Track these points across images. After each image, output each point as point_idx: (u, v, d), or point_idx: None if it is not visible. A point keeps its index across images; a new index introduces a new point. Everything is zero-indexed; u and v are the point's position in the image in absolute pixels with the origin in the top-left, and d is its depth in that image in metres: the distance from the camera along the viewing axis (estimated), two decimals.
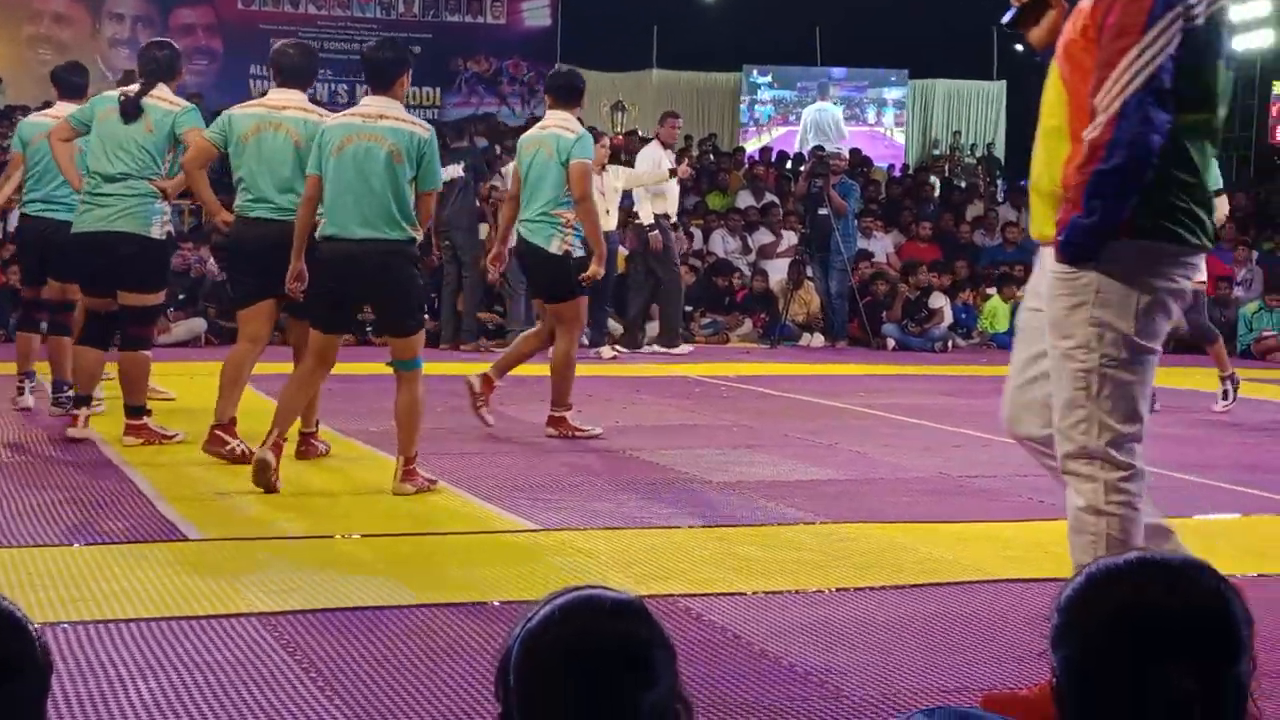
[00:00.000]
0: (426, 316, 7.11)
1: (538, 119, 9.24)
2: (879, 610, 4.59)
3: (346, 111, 6.63)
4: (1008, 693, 3.61)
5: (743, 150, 22.70)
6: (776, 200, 18.13)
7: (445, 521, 5.79)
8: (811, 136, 24.34)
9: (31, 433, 7.61)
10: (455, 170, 13.13)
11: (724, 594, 4.71)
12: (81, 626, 4.10)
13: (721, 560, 5.20)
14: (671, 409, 8.62)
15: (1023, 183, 23.18)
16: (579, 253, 7.90)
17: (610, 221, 13.04)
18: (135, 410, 7.25)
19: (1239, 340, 15.99)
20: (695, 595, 4.67)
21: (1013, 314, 16.36)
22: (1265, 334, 15.55)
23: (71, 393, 7.62)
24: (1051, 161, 3.53)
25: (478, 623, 4.26)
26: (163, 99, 7.18)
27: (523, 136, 8.38)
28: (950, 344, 15.59)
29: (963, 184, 22.96)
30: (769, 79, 25.71)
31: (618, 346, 13.74)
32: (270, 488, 6.09)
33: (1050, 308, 3.53)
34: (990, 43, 26.33)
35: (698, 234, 17.16)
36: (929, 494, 6.68)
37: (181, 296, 13.60)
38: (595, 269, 7.83)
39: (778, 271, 16.36)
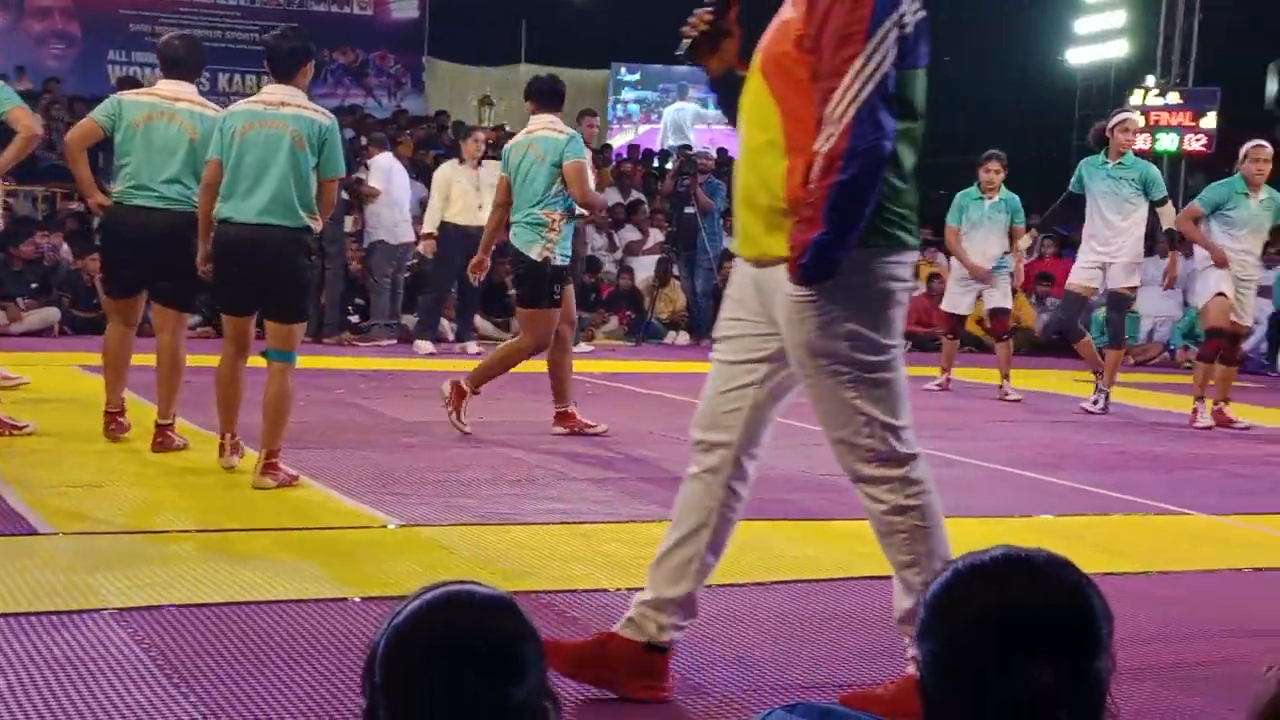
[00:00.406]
0: None
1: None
2: (740, 606, 4.62)
3: (249, 99, 6.64)
4: (864, 691, 3.65)
5: (610, 148, 22.73)
6: (643, 198, 18.18)
7: (306, 517, 5.70)
8: (671, 136, 24.50)
9: None
10: None
11: (588, 590, 4.70)
12: None
13: (585, 557, 5.20)
14: (538, 405, 8.59)
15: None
16: (559, 260, 7.90)
17: (483, 218, 12.99)
18: None
19: (1097, 344, 16.39)
20: (559, 592, 4.66)
21: None
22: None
23: None
24: (767, 177, 3.47)
25: (338, 619, 4.20)
26: None
27: (509, 144, 8.39)
28: None
29: None
30: (637, 77, 25.80)
31: (483, 342, 13.70)
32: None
33: (796, 332, 3.48)
34: None
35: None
36: (792, 491, 6.73)
37: (34, 285, 13.25)
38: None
39: (644, 269, 16.42)
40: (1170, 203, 10.52)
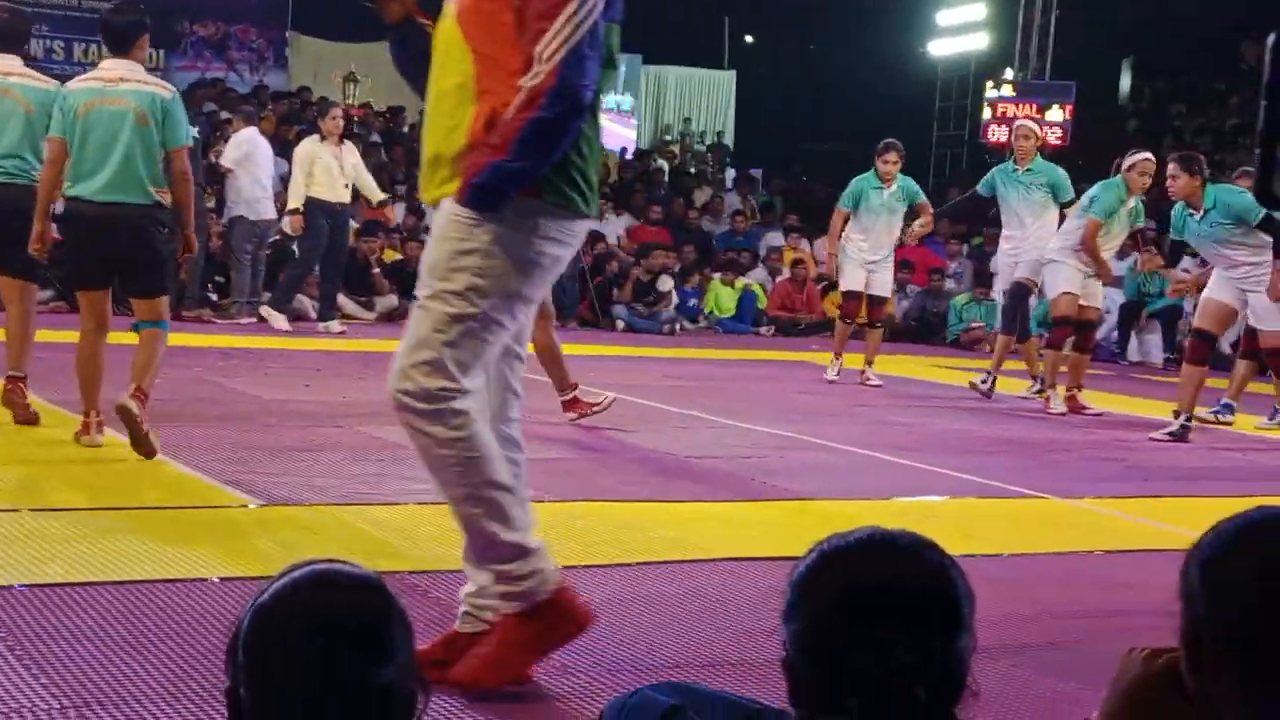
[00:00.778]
0: None
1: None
2: (606, 588, 4.62)
3: (86, 75, 6.57)
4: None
5: None
6: None
7: (164, 495, 5.59)
8: None
9: None
10: None
11: (450, 571, 4.67)
12: None
13: (447, 537, 5.13)
14: None
15: (733, 172, 23.76)
16: None
17: (346, 195, 12.85)
18: None
19: (950, 330, 16.70)
20: (422, 572, 4.63)
21: (739, 299, 16.82)
22: (974, 325, 16.27)
23: None
24: (454, 125, 3.43)
25: (196, 599, 4.13)
26: None
27: None
28: (678, 326, 15.86)
29: (692, 170, 23.36)
30: None
31: (346, 321, 13.56)
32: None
33: (435, 249, 3.44)
34: (722, 33, 26.81)
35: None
36: (658, 474, 6.76)
37: None
38: None
39: None
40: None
